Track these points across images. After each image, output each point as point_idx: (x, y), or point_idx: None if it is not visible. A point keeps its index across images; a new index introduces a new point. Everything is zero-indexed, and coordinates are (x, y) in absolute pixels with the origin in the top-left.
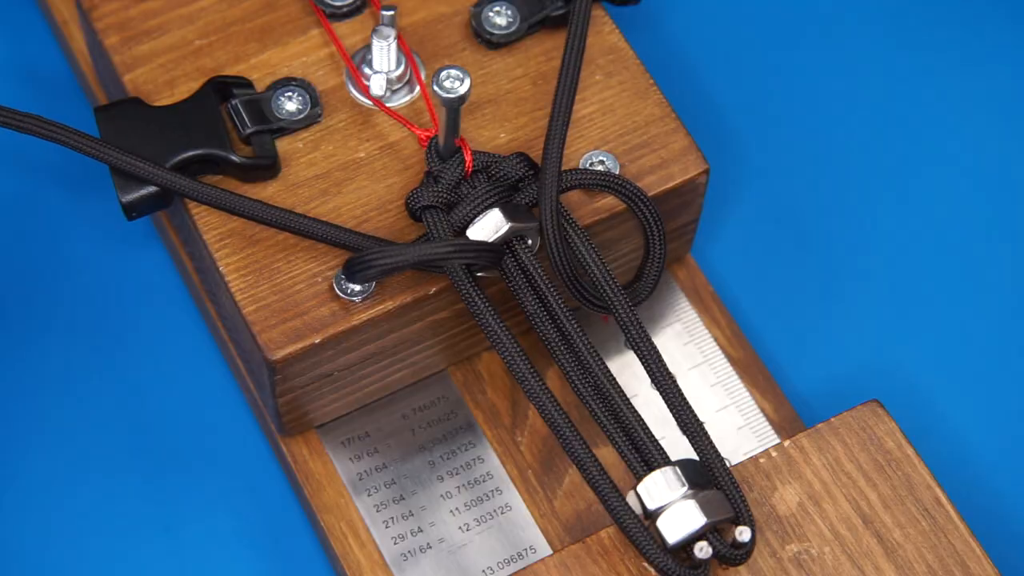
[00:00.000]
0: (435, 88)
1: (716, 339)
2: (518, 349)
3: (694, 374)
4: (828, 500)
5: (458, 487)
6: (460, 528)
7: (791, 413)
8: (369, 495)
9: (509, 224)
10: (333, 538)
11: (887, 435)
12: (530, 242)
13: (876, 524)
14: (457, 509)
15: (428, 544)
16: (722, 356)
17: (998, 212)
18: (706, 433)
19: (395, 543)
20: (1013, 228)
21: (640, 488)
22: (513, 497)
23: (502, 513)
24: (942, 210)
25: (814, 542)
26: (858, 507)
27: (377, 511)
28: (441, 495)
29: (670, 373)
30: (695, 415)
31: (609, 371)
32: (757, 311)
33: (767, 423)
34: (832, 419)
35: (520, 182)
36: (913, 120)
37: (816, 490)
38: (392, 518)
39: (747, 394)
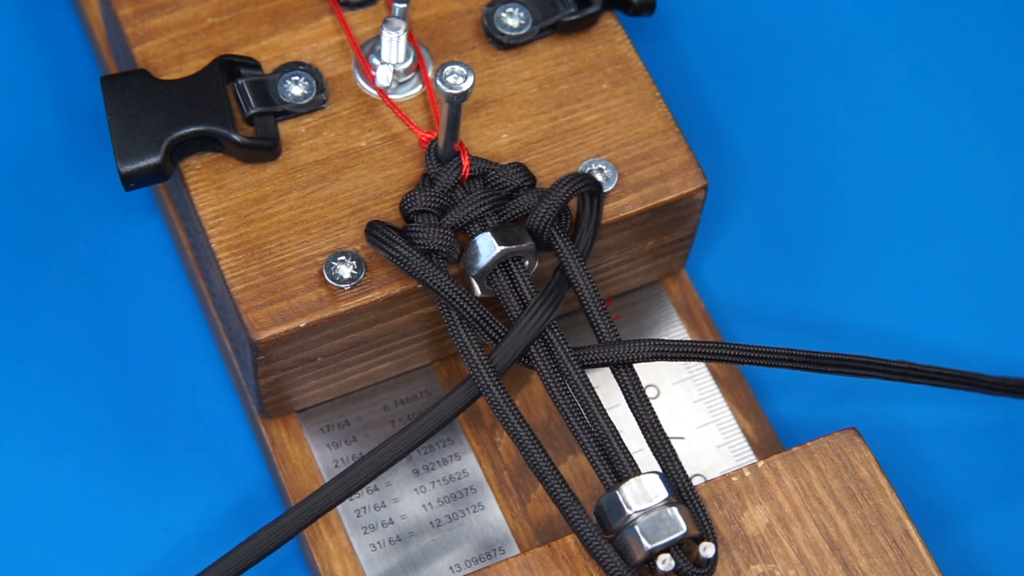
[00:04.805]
0: (438, 83)
1: None
2: (484, 361)
3: (678, 389)
4: (797, 523)
5: (433, 483)
6: (431, 523)
7: (772, 435)
8: None
9: (500, 248)
10: None
11: (862, 464)
12: (527, 263)
13: (843, 551)
14: (430, 504)
15: (398, 536)
16: (707, 373)
17: (998, 248)
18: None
19: (365, 533)
20: (1010, 268)
21: None
22: (487, 497)
23: (474, 512)
24: (941, 238)
25: (779, 564)
26: (826, 533)
27: (350, 500)
28: (415, 489)
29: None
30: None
31: (588, 380)
32: (746, 330)
33: (747, 443)
34: (808, 443)
35: (516, 191)
36: (917, 146)
37: (786, 513)
38: (364, 508)
39: (729, 413)
